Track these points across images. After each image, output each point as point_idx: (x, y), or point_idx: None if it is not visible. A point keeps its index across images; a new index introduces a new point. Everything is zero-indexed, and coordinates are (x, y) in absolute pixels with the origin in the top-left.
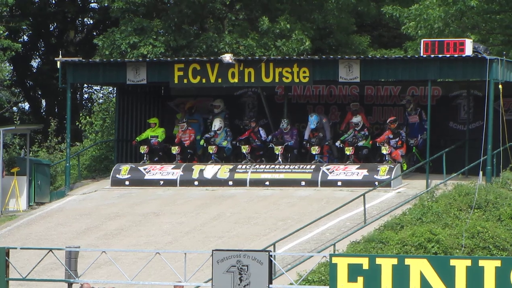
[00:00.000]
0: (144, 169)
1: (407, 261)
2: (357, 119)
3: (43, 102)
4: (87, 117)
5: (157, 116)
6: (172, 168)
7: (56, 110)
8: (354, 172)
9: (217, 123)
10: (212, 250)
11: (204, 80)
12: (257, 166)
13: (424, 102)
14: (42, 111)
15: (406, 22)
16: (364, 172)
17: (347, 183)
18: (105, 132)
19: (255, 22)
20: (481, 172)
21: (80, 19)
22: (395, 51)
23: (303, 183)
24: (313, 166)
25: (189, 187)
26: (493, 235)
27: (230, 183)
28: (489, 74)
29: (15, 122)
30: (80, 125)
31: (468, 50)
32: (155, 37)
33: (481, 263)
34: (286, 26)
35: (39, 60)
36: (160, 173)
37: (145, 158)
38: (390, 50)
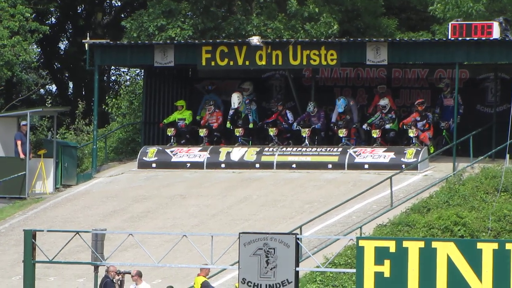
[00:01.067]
0: (171, 152)
1: (434, 244)
2: (384, 101)
3: (70, 84)
4: (114, 99)
5: (184, 99)
6: (199, 151)
7: (83, 92)
8: (381, 155)
9: (235, 100)
10: (239, 233)
11: (231, 63)
12: (284, 149)
13: (452, 85)
14: (69, 93)
15: (434, 2)
16: (391, 155)
17: (374, 166)
18: (132, 115)
19: (283, 5)
20: (507, 155)
21: (108, 1)
22: (423, 34)
23: (330, 165)
24: (340, 149)
25: (216, 169)
26: None
27: (257, 165)
28: None
29: (47, 104)
30: (106, 108)
31: (496, 33)
32: (183, 19)
33: (508, 246)
34: (314, 9)
35: (67, 42)
36: (187, 155)
37: (172, 140)
38: (418, 33)
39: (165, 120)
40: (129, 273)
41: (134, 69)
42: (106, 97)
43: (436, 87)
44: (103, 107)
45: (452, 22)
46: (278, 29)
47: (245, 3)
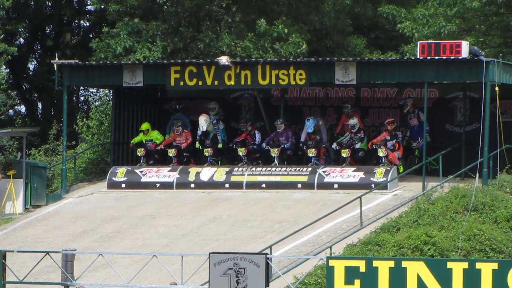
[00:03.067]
0: (141, 172)
1: (404, 264)
2: (353, 121)
3: (40, 104)
4: (84, 119)
5: (153, 119)
6: (169, 171)
7: (52, 112)
8: (351, 174)
9: (202, 123)
10: (209, 253)
11: (200, 83)
12: (254, 169)
13: (421, 104)
14: (38, 114)
15: (403, 21)
16: (361, 174)
17: (344, 186)
18: (102, 135)
19: (252, 25)
20: (477, 174)
21: (76, 21)
22: (391, 55)
23: (299, 185)
24: (309, 169)
25: (185, 189)
26: (489, 237)
27: (227, 185)
28: (485, 76)
29: (16, 125)
30: (76, 128)
31: (465, 52)
32: (151, 40)
33: (478, 265)
34: (283, 29)
35: (35, 62)
36: (157, 175)
37: (142, 161)
38: (387, 54)
39: (132, 141)
40: None
41: (105, 89)
42: (77, 117)
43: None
44: (74, 127)
45: (420, 42)
46: (248, 48)
47: (214, 23)
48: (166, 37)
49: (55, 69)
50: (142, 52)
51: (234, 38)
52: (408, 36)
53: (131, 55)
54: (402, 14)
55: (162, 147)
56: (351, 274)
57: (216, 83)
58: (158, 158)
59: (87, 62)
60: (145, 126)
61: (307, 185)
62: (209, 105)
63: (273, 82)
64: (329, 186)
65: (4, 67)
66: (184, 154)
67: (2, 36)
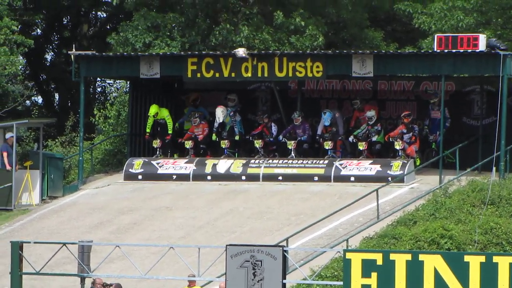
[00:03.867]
0: (157, 164)
1: (421, 257)
2: (370, 113)
3: (56, 95)
4: (101, 110)
5: (169, 109)
6: (185, 163)
7: (69, 103)
8: (367, 167)
9: (219, 115)
10: (226, 245)
11: (217, 74)
12: (270, 161)
13: (440, 96)
14: (55, 104)
15: (420, 17)
16: (377, 167)
17: (360, 179)
18: (119, 126)
19: (269, 17)
20: (494, 168)
21: (93, 12)
22: (408, 49)
23: (316, 178)
24: (326, 161)
25: (202, 181)
26: (506, 231)
27: (243, 177)
28: (502, 69)
29: (33, 115)
30: (93, 120)
31: (482, 46)
32: (169, 33)
33: (496, 259)
34: (300, 22)
35: (53, 53)
36: (173, 167)
37: (158, 152)
38: (404, 48)
39: (147, 129)
40: None
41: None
42: (94, 108)
43: (423, 99)
44: (90, 118)
45: (437, 35)
46: (266, 40)
47: (231, 15)
48: (184, 30)
49: (72, 60)
50: (160, 48)
51: (252, 30)
52: (425, 30)
53: (151, 49)
54: (418, 10)
55: (182, 141)
56: (368, 267)
57: (233, 75)
58: (170, 147)
59: (104, 54)
60: (153, 110)
61: (324, 178)
62: (229, 96)
63: (290, 74)
64: (345, 178)
65: (21, 57)
66: (201, 146)
67: (19, 27)
